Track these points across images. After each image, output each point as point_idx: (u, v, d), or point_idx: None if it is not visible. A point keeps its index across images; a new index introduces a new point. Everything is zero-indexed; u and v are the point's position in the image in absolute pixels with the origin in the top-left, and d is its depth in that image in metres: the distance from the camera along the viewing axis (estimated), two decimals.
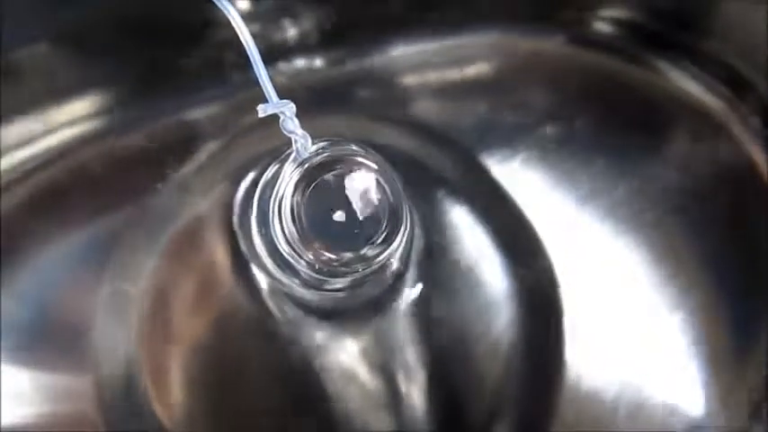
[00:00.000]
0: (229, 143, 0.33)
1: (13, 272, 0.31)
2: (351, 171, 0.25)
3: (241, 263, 0.31)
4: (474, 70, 0.36)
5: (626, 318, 0.33)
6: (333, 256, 0.25)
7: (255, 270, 0.31)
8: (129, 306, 0.31)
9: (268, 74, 0.26)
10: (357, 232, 0.25)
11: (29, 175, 0.32)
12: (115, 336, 0.31)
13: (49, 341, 0.31)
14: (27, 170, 0.32)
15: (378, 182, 0.25)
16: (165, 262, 0.31)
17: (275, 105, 0.25)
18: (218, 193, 0.32)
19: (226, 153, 0.33)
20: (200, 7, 0.30)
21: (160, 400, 0.30)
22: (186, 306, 0.31)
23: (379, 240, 0.25)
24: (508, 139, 0.34)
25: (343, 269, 0.26)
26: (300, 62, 0.34)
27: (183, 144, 0.33)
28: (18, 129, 0.31)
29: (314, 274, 0.27)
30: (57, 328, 0.31)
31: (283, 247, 0.26)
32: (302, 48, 0.34)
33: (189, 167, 0.32)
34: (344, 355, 0.32)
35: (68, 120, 0.32)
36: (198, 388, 0.31)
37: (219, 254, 0.31)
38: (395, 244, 0.25)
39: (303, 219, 0.24)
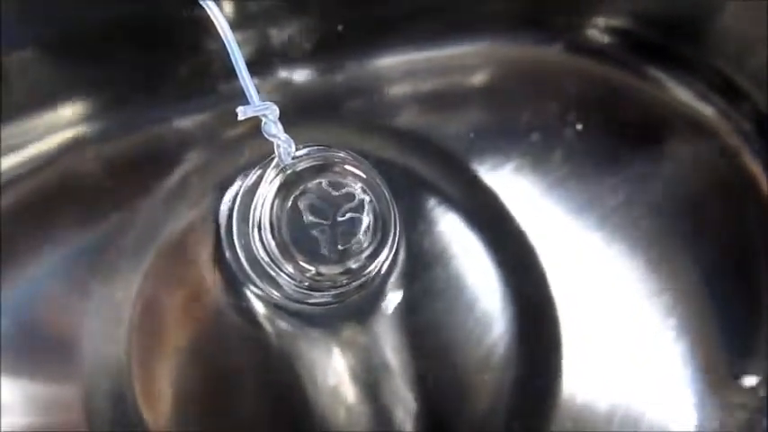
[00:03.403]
0: (217, 152, 0.32)
1: None
2: (336, 179, 0.23)
3: (229, 273, 0.30)
4: (465, 78, 0.35)
5: (620, 327, 0.33)
6: (314, 270, 0.24)
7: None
8: (118, 316, 0.30)
9: (254, 83, 0.24)
10: (341, 245, 0.23)
11: (14, 184, 0.31)
12: (103, 346, 0.30)
13: (37, 351, 0.30)
14: (12, 178, 0.31)
15: (365, 191, 0.24)
16: (154, 271, 0.31)
17: (256, 108, 0.23)
18: (205, 202, 0.32)
19: (214, 162, 0.32)
20: (189, 16, 0.30)
21: (149, 409, 0.30)
22: (175, 316, 0.31)
23: (366, 254, 0.24)
24: (500, 147, 0.34)
25: (327, 283, 0.25)
26: (287, 72, 0.34)
27: (171, 152, 0.32)
28: (2, 136, 0.31)
29: (296, 288, 0.25)
30: (44, 338, 0.31)
31: (263, 259, 0.24)
32: (289, 57, 0.34)
33: (176, 176, 0.32)
34: (333, 366, 0.31)
35: (54, 127, 0.32)
36: (186, 398, 0.31)
37: (207, 263, 0.31)
38: (382, 256, 0.24)
39: (283, 229, 0.23)
